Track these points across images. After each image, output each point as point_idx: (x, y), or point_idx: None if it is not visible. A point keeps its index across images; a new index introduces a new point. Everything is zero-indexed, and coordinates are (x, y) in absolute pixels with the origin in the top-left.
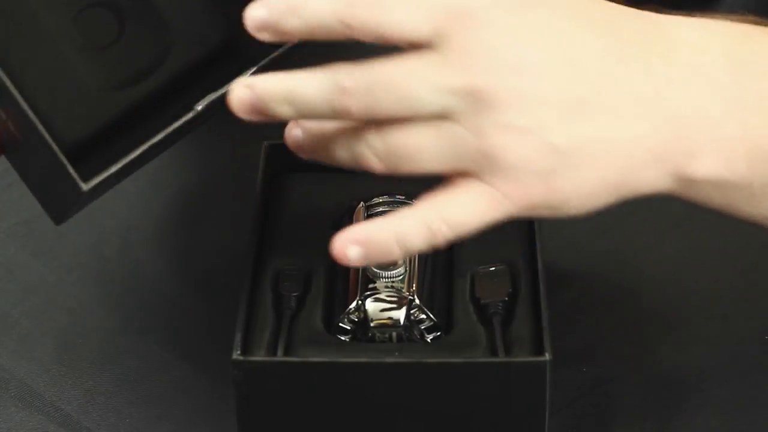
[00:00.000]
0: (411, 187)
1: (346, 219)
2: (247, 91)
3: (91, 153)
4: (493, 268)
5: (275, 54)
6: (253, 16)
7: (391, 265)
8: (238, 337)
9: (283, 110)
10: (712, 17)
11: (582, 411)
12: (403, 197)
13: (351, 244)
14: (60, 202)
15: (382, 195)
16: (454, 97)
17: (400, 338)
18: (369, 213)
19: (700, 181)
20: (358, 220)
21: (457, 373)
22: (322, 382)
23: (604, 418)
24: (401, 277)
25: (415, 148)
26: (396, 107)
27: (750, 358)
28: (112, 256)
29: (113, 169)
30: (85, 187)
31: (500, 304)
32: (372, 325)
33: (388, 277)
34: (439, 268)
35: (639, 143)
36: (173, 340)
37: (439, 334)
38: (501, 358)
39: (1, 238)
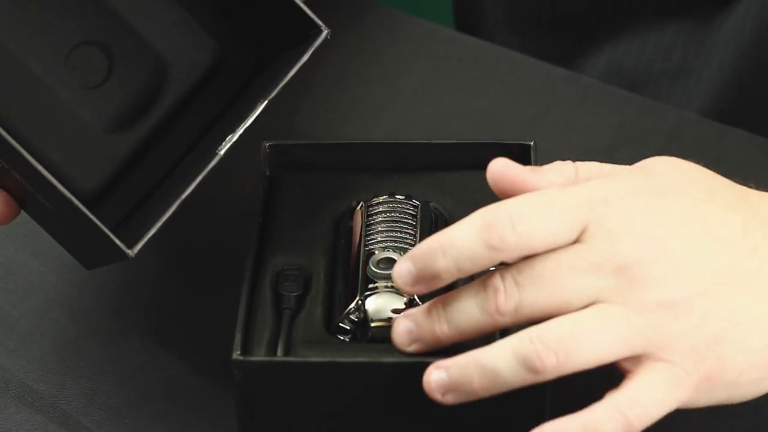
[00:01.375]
0: (411, 187)
1: (346, 219)
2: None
3: (109, 195)
4: (493, 268)
5: (283, 83)
6: (399, 271)
7: (391, 266)
8: (238, 337)
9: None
10: None
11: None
12: (403, 197)
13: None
14: (98, 258)
15: (382, 195)
16: (606, 278)
17: None
18: (369, 213)
19: None
20: (358, 220)
21: None
22: (322, 382)
23: None
24: None
25: (586, 333)
26: (549, 302)
27: None
28: None
29: (153, 230)
30: (131, 253)
31: None
32: (372, 325)
33: (388, 278)
34: None
35: None
36: (173, 340)
37: None
38: None
39: (1, 238)
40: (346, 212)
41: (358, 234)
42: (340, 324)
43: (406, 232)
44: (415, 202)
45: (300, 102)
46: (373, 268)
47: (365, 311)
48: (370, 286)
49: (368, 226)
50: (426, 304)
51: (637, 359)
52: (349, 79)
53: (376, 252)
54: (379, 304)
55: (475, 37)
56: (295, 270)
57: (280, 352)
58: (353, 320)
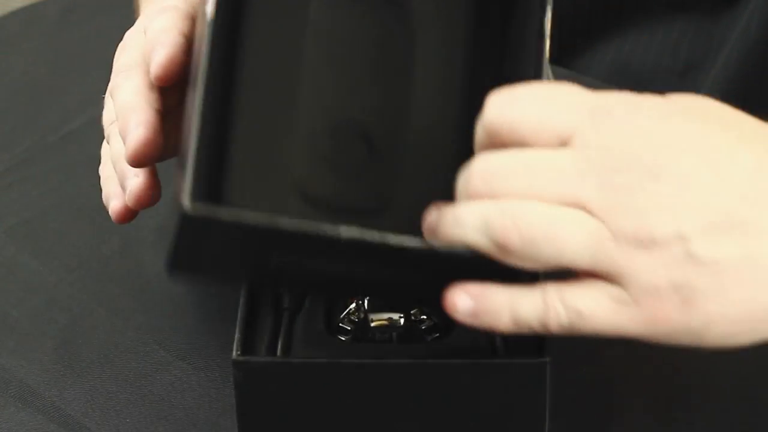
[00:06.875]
0: None
1: None
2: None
3: None
4: None
5: None
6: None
7: None
8: (238, 337)
9: None
10: None
11: (582, 411)
12: None
13: (463, 294)
14: None
15: None
16: (590, 190)
17: (400, 338)
18: None
19: None
20: None
21: (457, 374)
22: (322, 382)
23: (604, 418)
24: None
25: (557, 229)
26: (527, 192)
27: (750, 358)
28: (112, 256)
29: None
30: None
31: None
32: (372, 325)
33: None
34: None
35: None
36: (173, 340)
37: (439, 334)
38: (501, 359)
39: (1, 238)
40: None
41: None
42: (340, 324)
43: None
44: None
45: None
46: None
47: (365, 311)
48: None
49: None
50: None
51: (594, 274)
52: None
53: None
54: (379, 304)
55: None
56: None
57: (280, 352)
58: (353, 320)
